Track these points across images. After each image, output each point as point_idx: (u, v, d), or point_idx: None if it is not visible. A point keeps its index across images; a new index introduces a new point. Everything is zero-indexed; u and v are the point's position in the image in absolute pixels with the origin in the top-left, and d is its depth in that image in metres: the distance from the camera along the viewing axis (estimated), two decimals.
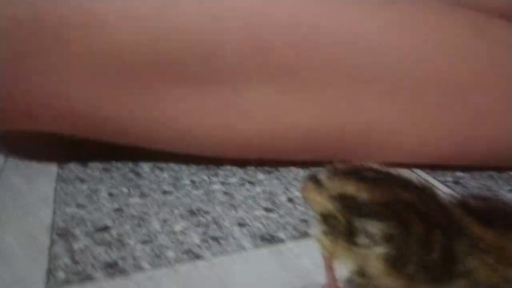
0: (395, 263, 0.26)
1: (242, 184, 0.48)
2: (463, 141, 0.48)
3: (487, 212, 0.27)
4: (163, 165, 0.52)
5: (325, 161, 0.48)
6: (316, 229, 0.28)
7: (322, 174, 0.29)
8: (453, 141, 0.48)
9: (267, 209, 0.43)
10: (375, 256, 0.26)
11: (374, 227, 0.26)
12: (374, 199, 0.26)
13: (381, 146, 0.47)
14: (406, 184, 0.27)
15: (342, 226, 0.27)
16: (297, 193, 0.46)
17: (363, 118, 0.46)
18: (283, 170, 0.50)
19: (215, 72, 0.43)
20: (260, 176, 0.49)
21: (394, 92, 0.45)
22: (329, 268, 0.29)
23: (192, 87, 0.44)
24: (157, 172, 0.51)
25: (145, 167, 0.52)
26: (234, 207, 0.44)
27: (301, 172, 0.50)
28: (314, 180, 0.29)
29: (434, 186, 0.29)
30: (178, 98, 0.45)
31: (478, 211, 0.26)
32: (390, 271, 0.26)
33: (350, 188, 0.27)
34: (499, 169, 0.49)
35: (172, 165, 0.52)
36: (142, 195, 0.46)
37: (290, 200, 0.45)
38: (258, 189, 0.47)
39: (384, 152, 0.48)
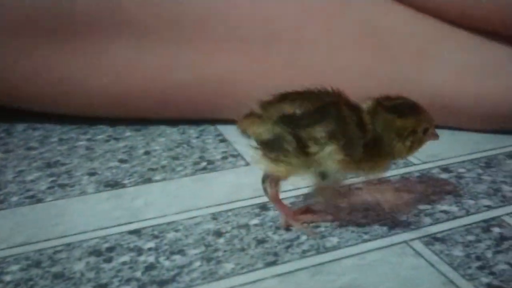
0: (346, 151, 0.32)
1: (107, 141, 0.50)
2: None
3: (401, 106, 0.34)
4: (38, 125, 0.54)
5: (189, 116, 0.52)
6: (262, 159, 0.33)
7: (255, 109, 0.33)
8: None
9: (121, 161, 0.46)
10: (327, 153, 0.31)
11: (318, 131, 0.31)
12: (309, 109, 0.32)
13: (236, 98, 0.50)
14: (325, 92, 0.33)
15: (292, 143, 0.32)
16: (157, 147, 0.49)
17: (216, 71, 0.49)
18: (152, 128, 0.53)
19: (69, 27, 0.45)
20: (128, 133, 0.52)
21: (245, 46, 0.49)
22: (274, 186, 0.35)
23: (50, 43, 0.46)
24: (29, 131, 0.53)
25: (19, 127, 0.54)
26: (91, 159, 0.46)
27: (168, 129, 0.53)
28: (250, 115, 0.33)
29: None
30: (40, 54, 0.47)
31: (394, 107, 0.33)
32: (343, 158, 0.32)
33: (287, 108, 0.32)
34: None
35: (47, 125, 0.54)
36: (6, 151, 0.48)
37: (146, 153, 0.48)
38: (120, 144, 0.49)
39: (240, 105, 0.51)
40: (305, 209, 0.37)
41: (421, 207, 0.39)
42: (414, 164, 0.45)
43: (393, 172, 0.44)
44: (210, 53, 0.49)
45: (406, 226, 0.37)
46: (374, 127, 0.33)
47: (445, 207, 0.39)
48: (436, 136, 0.36)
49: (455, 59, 0.49)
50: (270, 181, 0.34)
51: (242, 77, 0.50)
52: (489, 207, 0.39)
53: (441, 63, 0.49)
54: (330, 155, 0.31)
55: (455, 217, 0.37)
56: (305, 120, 0.31)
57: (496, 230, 0.36)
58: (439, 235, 0.35)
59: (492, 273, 0.32)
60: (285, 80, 0.50)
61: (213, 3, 0.49)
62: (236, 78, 0.50)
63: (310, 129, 0.31)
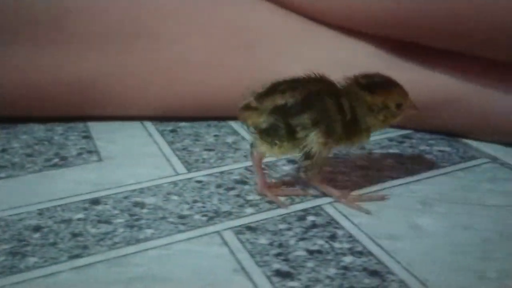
0: (328, 133, 0.37)
1: None
2: (184, 95, 0.52)
3: (373, 84, 0.38)
4: None
5: (57, 115, 0.53)
6: (259, 143, 0.38)
7: (251, 102, 0.37)
8: (173, 94, 0.52)
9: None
10: (312, 138, 0.37)
11: (304, 119, 0.36)
12: (296, 99, 0.37)
13: (100, 95, 0.51)
14: (310, 79, 0.38)
15: (284, 130, 0.37)
16: (16, 144, 0.49)
17: (77, 69, 0.50)
18: (20, 126, 0.53)
19: None
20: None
21: (105, 44, 0.49)
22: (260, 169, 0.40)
23: None
24: None
25: None
26: None
27: (36, 127, 0.53)
28: (248, 108, 0.37)
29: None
30: None
31: (367, 84, 0.38)
32: (325, 141, 0.37)
33: (278, 100, 0.37)
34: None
35: None
36: None
37: (3, 150, 0.48)
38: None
39: (115, 104, 0.52)
40: (280, 183, 0.42)
41: (250, 197, 0.40)
42: None
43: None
44: (70, 52, 0.49)
45: (227, 216, 0.38)
46: (350, 107, 0.38)
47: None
48: (414, 109, 0.39)
49: (317, 57, 0.50)
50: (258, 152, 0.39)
51: (104, 75, 0.50)
52: (316, 197, 0.40)
53: (304, 62, 0.50)
54: (314, 139, 0.37)
55: (278, 207, 0.39)
56: (293, 109, 0.37)
57: (311, 218, 0.37)
58: (253, 225, 0.36)
59: (286, 260, 0.33)
60: (147, 77, 0.52)
61: (71, 2, 0.49)
62: (98, 76, 0.50)
63: (297, 117, 0.37)
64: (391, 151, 0.48)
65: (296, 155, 0.38)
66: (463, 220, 0.37)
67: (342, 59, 0.49)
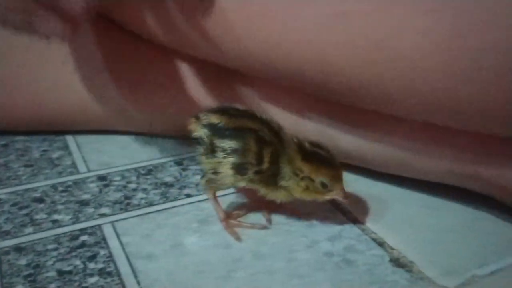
0: (238, 169, 0.38)
1: None
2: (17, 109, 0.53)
3: (312, 153, 0.38)
4: None
5: None
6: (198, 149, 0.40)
7: (202, 112, 0.40)
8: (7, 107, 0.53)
9: None
10: (226, 164, 0.38)
11: (226, 144, 0.38)
12: (228, 125, 0.39)
13: None
14: (256, 117, 0.40)
15: (207, 145, 0.39)
16: None
17: None
18: None
19: None
20: None
21: None
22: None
23: None
24: None
25: None
26: None
27: None
28: (196, 116, 0.40)
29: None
30: None
31: (307, 150, 0.38)
32: (235, 174, 0.38)
33: (214, 119, 0.39)
34: None
35: None
36: None
37: None
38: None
39: None
40: (235, 214, 0.43)
41: (37, 216, 0.41)
42: (84, 172, 0.48)
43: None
44: None
45: (3, 236, 0.39)
46: (272, 158, 0.38)
47: None
48: (342, 197, 0.39)
49: None
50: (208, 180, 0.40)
51: None
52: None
53: None
54: (224, 165, 0.38)
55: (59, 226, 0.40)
56: (222, 132, 0.39)
57: (83, 238, 0.39)
58: (23, 245, 0.38)
59: (33, 281, 0.34)
60: None
61: None
62: None
63: (221, 140, 0.39)
64: None
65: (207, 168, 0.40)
66: (230, 239, 0.39)
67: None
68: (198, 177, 0.48)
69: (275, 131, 0.39)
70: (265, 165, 0.38)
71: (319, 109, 0.44)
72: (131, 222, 0.41)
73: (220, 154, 0.38)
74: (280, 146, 0.39)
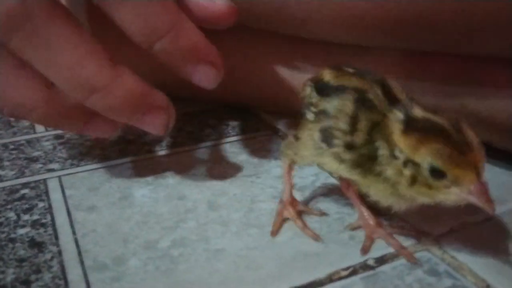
0: (324, 136, 0.27)
1: None
2: None
3: (421, 121, 0.25)
4: None
5: None
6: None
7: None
8: None
9: None
10: (310, 128, 0.28)
11: (320, 102, 0.28)
12: (332, 82, 0.28)
13: None
14: (375, 79, 0.27)
15: (306, 104, 0.29)
16: None
17: None
18: None
19: None
20: None
21: None
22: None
23: None
24: None
25: None
26: None
27: None
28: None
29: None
30: None
31: (413, 118, 0.25)
32: (320, 142, 0.27)
33: (324, 75, 0.29)
34: None
35: None
36: None
37: None
38: None
39: None
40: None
41: None
42: (41, 132, 0.44)
43: None
44: None
45: None
46: (373, 135, 0.26)
47: None
48: (483, 201, 0.23)
49: None
50: None
51: None
52: None
53: None
54: (308, 129, 0.29)
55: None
56: (322, 89, 0.29)
57: (24, 191, 0.35)
58: None
59: None
60: None
61: None
62: None
63: (317, 97, 0.29)
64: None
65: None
66: (185, 190, 0.35)
67: None
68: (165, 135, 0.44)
69: (395, 97, 0.26)
70: (360, 137, 0.26)
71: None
72: (79, 176, 0.37)
73: (310, 115, 0.28)
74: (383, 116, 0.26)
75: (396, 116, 0.25)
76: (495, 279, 0.26)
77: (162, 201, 0.34)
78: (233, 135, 0.43)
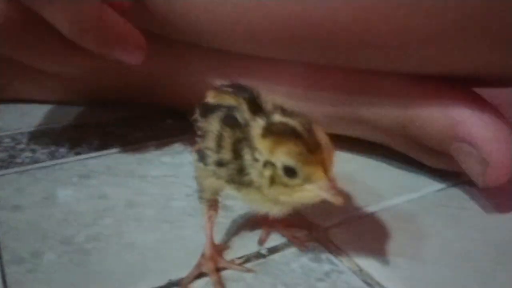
0: (199, 156, 0.28)
1: None
2: None
3: (278, 124, 0.26)
4: None
5: None
6: None
7: None
8: None
9: None
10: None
11: (199, 124, 0.29)
12: (211, 102, 0.29)
13: None
14: (249, 94, 0.28)
15: (200, 127, 0.30)
16: None
17: None
18: None
19: None
20: None
21: None
22: None
23: None
24: None
25: None
26: None
27: None
28: None
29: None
30: None
31: (272, 122, 0.26)
32: (199, 162, 0.29)
33: (209, 97, 0.30)
34: None
35: None
36: None
37: None
38: None
39: None
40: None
41: None
42: None
43: None
44: None
45: None
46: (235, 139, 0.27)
47: None
48: (334, 197, 0.25)
49: None
50: None
51: None
52: None
53: None
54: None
55: None
56: (203, 110, 0.30)
57: None
58: None
59: None
60: None
61: None
62: None
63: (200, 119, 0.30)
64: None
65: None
66: (107, 190, 0.38)
67: None
68: (95, 137, 0.46)
69: (260, 108, 0.28)
70: (226, 154, 0.27)
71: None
72: (7, 178, 0.39)
73: (198, 138, 0.30)
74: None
75: (258, 124, 0.26)
76: (367, 264, 0.31)
77: (83, 200, 0.37)
78: (161, 138, 0.47)
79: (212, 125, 0.28)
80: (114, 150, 0.44)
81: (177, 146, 0.45)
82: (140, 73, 0.46)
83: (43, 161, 0.42)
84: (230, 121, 0.27)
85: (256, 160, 0.26)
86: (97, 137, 0.47)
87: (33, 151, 0.44)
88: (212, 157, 0.28)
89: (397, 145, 0.40)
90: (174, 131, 0.48)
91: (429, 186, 0.39)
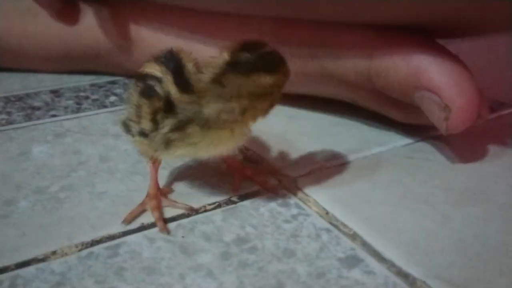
0: (124, 127, 0.31)
1: None
2: None
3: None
4: None
5: None
6: None
7: None
8: None
9: None
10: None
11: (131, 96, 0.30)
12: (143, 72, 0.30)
13: None
14: (177, 61, 0.29)
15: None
16: None
17: None
18: None
19: None
20: None
21: None
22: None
23: None
24: None
25: None
26: None
27: None
28: None
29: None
30: None
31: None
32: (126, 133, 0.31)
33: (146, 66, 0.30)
34: None
35: None
36: None
37: None
38: None
39: None
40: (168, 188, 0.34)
41: None
42: None
43: None
44: None
45: None
46: (164, 118, 0.28)
47: None
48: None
49: None
50: None
51: None
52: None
53: None
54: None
55: None
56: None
57: None
58: None
59: None
60: None
61: None
62: None
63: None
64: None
65: None
66: (81, 147, 0.38)
67: None
68: (71, 101, 0.47)
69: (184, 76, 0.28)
70: (146, 124, 0.29)
71: (180, 23, 0.44)
72: None
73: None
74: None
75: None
76: (332, 207, 0.32)
77: (57, 155, 0.37)
78: None
79: (132, 95, 0.30)
80: (89, 112, 0.45)
81: None
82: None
83: (18, 123, 0.42)
84: (149, 93, 0.28)
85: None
86: (73, 101, 0.47)
87: (9, 113, 0.44)
88: (135, 128, 0.30)
89: (365, 100, 0.41)
90: None
91: (397, 141, 0.40)
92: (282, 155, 0.37)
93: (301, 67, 0.39)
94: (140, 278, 0.26)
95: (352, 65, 0.38)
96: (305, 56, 0.39)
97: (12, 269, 0.26)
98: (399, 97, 0.37)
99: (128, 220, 0.30)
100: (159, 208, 0.31)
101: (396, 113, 0.39)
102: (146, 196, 0.32)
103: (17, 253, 0.27)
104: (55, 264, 0.27)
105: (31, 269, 0.26)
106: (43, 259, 0.27)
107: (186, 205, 0.32)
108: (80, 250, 0.28)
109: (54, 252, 0.27)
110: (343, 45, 0.37)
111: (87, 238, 0.28)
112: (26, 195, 0.32)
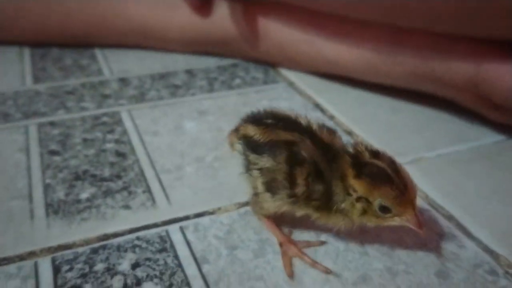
0: (269, 189, 0.33)
1: None
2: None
3: (369, 165, 0.31)
4: None
5: None
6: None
7: (239, 124, 0.36)
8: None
9: None
10: (260, 182, 0.33)
11: (259, 160, 0.33)
12: (262, 138, 0.33)
13: None
14: (296, 125, 0.33)
15: (244, 161, 0.34)
16: None
17: None
18: None
19: None
20: None
21: None
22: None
23: None
24: None
25: None
26: None
27: None
28: (235, 129, 0.36)
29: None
30: None
31: (362, 163, 0.31)
32: (267, 192, 0.33)
33: (250, 130, 0.34)
34: None
35: None
36: None
37: None
38: None
39: None
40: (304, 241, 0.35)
41: None
42: (108, 75, 0.57)
43: None
44: None
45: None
46: (315, 182, 0.31)
47: None
48: (415, 226, 0.31)
49: None
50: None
51: None
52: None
53: None
54: (256, 180, 0.33)
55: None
56: (255, 146, 0.33)
57: (104, 119, 0.48)
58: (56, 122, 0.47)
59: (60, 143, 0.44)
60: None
61: None
62: None
63: (254, 155, 0.33)
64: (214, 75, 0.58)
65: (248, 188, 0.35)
66: (221, 125, 0.47)
67: None
68: (204, 82, 0.56)
69: (322, 141, 0.32)
70: (300, 189, 0.31)
71: (306, 20, 0.52)
72: (143, 111, 0.50)
73: (255, 172, 0.33)
74: (328, 160, 0.32)
75: (348, 162, 0.31)
76: (431, 192, 0.39)
77: (205, 131, 0.47)
78: (256, 85, 0.56)
79: (280, 163, 0.32)
80: (220, 93, 0.54)
81: (271, 93, 0.54)
82: None
83: (167, 99, 0.52)
84: (299, 159, 0.32)
85: (349, 194, 0.31)
86: (206, 81, 0.56)
87: (158, 90, 0.54)
88: (283, 191, 0.32)
89: (465, 100, 0.47)
90: (266, 80, 0.57)
91: (489, 137, 0.47)
92: (385, 142, 0.45)
93: (412, 68, 0.46)
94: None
95: (460, 70, 0.44)
96: (417, 59, 0.45)
97: (192, 218, 0.36)
98: (501, 102, 0.43)
99: (291, 274, 0.32)
100: (301, 252, 0.34)
101: (494, 114, 0.45)
102: (281, 247, 0.34)
103: (193, 207, 0.37)
104: (223, 217, 0.36)
105: (205, 219, 0.36)
106: (212, 213, 0.37)
107: (319, 241, 0.35)
108: (238, 208, 0.37)
109: (219, 208, 0.37)
110: (454, 52, 0.44)
111: (243, 200, 0.38)
112: (189, 163, 0.42)
